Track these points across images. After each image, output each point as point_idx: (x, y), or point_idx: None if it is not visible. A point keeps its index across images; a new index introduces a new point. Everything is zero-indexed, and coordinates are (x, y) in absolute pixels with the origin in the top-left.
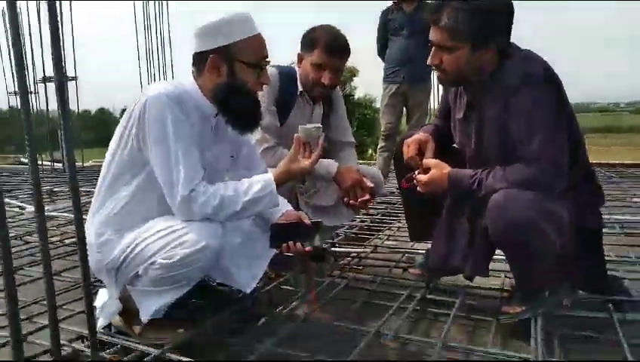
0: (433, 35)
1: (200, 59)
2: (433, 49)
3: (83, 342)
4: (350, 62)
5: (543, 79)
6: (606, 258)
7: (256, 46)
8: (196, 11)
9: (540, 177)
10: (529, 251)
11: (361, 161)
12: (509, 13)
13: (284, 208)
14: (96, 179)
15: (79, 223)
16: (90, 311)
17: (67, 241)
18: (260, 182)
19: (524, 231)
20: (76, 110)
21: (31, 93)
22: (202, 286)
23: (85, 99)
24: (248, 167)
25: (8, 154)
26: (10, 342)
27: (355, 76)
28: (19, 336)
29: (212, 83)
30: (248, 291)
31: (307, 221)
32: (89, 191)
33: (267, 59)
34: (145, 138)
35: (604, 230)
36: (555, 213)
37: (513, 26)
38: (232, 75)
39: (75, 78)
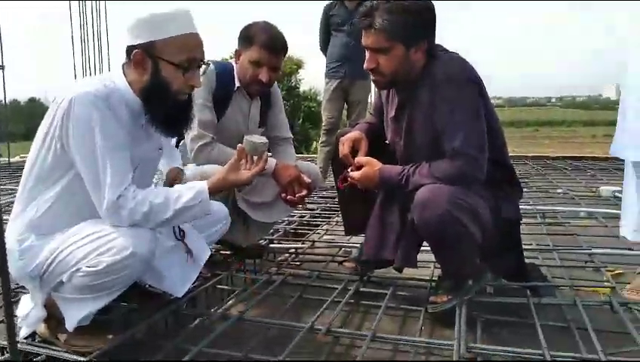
0: (367, 39)
1: (129, 54)
2: (368, 53)
3: (2, 354)
4: (296, 54)
5: (465, 80)
6: (526, 246)
7: (186, 45)
8: None
9: (461, 171)
10: (451, 242)
11: (306, 155)
12: (433, 13)
13: None
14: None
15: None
16: (10, 320)
17: None
18: (193, 190)
19: (445, 224)
20: (3, 101)
21: None
22: (134, 289)
23: (14, 87)
24: (169, 156)
25: None
26: None
27: (300, 68)
28: None
29: (138, 80)
30: (180, 295)
31: None
32: (14, 189)
33: (201, 60)
34: (69, 139)
35: (527, 220)
36: (475, 206)
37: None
38: (156, 74)
39: (1, 67)
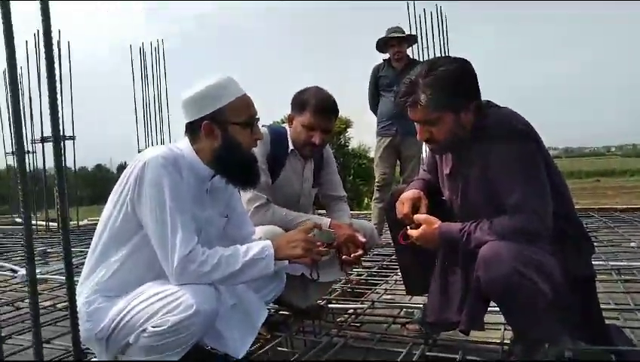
0: (415, 115)
1: (193, 127)
2: (419, 127)
3: None
4: (344, 113)
5: (520, 134)
6: (604, 306)
7: (244, 106)
8: (193, 67)
9: (524, 227)
10: (520, 301)
11: (358, 212)
12: (473, 72)
13: None
14: (91, 239)
15: (71, 292)
16: None
17: (59, 306)
18: (259, 245)
19: (512, 281)
20: (73, 169)
21: (28, 152)
22: (195, 351)
23: (82, 155)
24: (239, 226)
25: (4, 214)
26: None
27: (349, 127)
28: None
29: (209, 147)
30: (240, 356)
31: None
32: (83, 251)
33: (256, 117)
34: (141, 200)
35: (601, 277)
36: (543, 263)
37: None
38: (227, 137)
39: (72, 138)
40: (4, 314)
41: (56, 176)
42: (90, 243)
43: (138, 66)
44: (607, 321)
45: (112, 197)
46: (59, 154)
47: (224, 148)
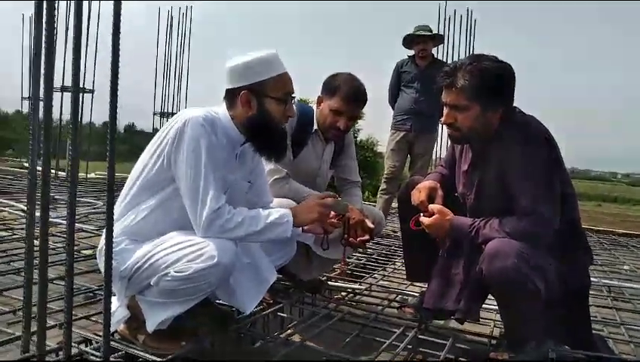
0: (447, 96)
1: (232, 94)
2: (447, 109)
3: (86, 345)
4: None
5: (540, 141)
6: (592, 318)
7: (283, 83)
8: (217, 39)
9: (531, 230)
10: (517, 296)
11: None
12: (513, 79)
13: None
14: (98, 192)
15: (109, 232)
16: (107, 316)
17: (76, 248)
18: (280, 212)
19: (513, 277)
20: (89, 122)
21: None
22: (203, 303)
23: (100, 110)
24: (259, 195)
25: (7, 157)
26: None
27: (360, 119)
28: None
29: (244, 115)
30: (247, 312)
31: None
32: (89, 202)
33: (293, 95)
34: (178, 155)
35: (592, 292)
36: (544, 266)
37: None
38: (262, 109)
39: (92, 91)
40: (20, 249)
41: (72, 128)
42: (97, 196)
43: (164, 32)
44: (593, 331)
45: (148, 149)
46: (77, 106)
47: (257, 119)
